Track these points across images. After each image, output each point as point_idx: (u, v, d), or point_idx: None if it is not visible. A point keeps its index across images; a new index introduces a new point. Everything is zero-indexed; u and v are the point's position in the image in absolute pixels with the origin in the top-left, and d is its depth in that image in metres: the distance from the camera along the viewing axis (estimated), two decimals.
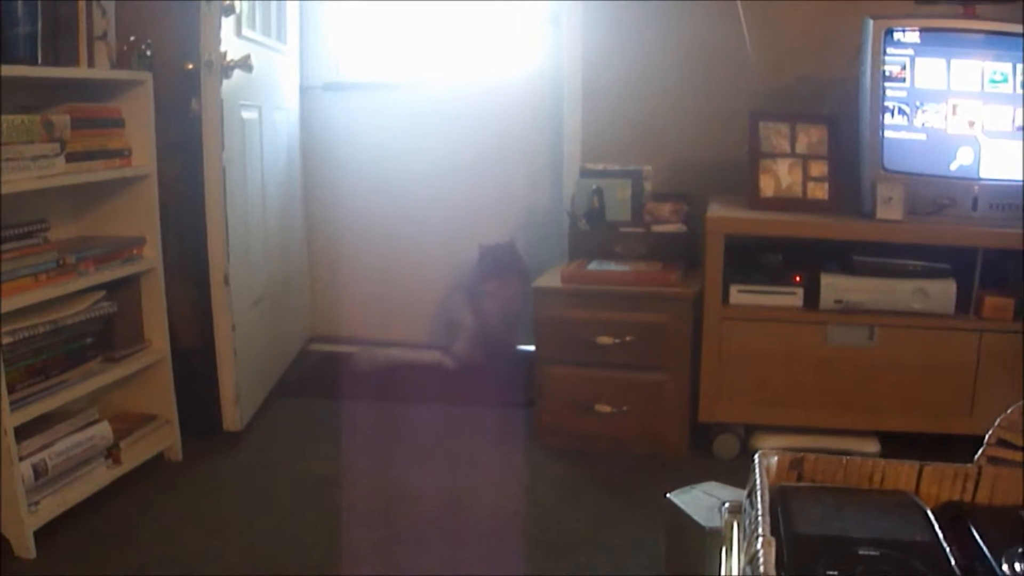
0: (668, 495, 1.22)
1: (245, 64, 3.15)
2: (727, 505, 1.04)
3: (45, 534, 2.51)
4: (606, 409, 3.13)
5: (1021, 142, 2.93)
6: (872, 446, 3.06)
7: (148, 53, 3.00)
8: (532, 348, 3.25)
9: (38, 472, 2.54)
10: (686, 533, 1.17)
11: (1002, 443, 1.05)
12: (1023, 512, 1.00)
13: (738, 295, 3.04)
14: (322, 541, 2.59)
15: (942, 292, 2.93)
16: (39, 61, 2.60)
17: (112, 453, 2.84)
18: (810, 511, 0.93)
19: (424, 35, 4.10)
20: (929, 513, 0.94)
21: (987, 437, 1.06)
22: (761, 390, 3.04)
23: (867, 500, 0.98)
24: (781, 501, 0.95)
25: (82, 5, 2.74)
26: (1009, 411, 1.08)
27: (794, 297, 3.03)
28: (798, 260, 3.08)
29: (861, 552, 0.87)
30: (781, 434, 3.09)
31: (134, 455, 2.91)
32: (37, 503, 2.53)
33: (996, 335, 2.91)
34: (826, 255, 3.06)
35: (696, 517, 1.15)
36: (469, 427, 3.43)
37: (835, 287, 2.97)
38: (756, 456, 1.02)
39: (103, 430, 2.80)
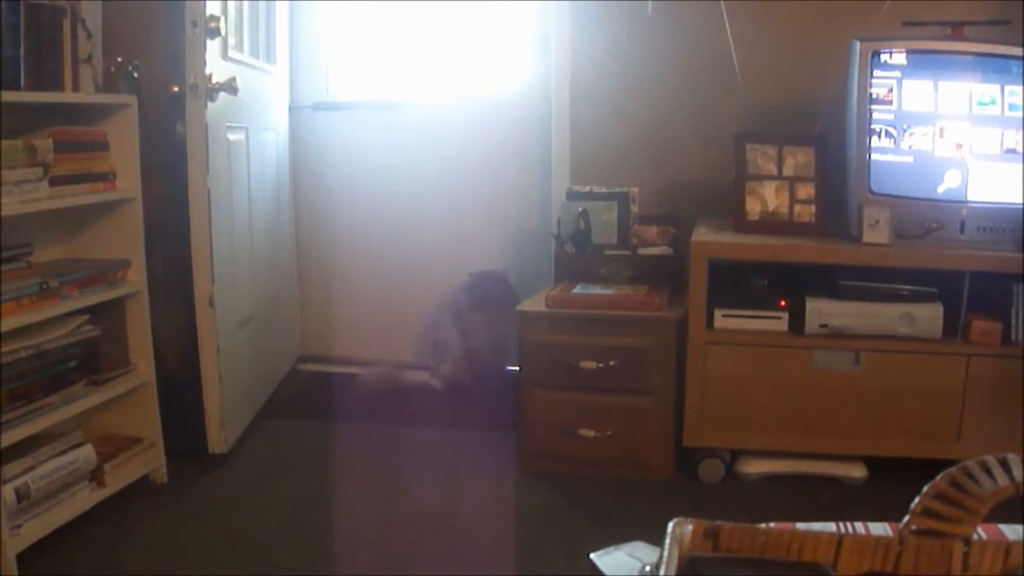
0: (590, 556, 1.21)
1: (231, 86, 3.15)
2: (647, 569, 1.03)
3: (28, 557, 2.51)
4: (590, 433, 3.12)
5: (1009, 165, 2.90)
6: (859, 471, 3.05)
7: (135, 75, 3.02)
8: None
9: (20, 495, 2.54)
10: None
11: (928, 513, 1.03)
12: None
13: (723, 319, 3.03)
14: (306, 565, 2.58)
15: (929, 316, 2.91)
16: (22, 85, 2.61)
17: (96, 476, 2.84)
18: None
19: (414, 56, 4.10)
20: None
21: (913, 506, 1.05)
22: (746, 415, 3.03)
23: (779, 573, 0.96)
24: (690, 572, 0.94)
25: (66, 28, 2.75)
26: (938, 479, 1.06)
27: (779, 321, 3.01)
28: (784, 284, 3.06)
29: None
30: (766, 459, 3.08)
31: (119, 478, 2.91)
32: (19, 526, 2.53)
33: (983, 359, 2.89)
34: (812, 279, 3.04)
35: None
36: (455, 450, 3.42)
37: (820, 311, 2.96)
38: (670, 525, 1.01)
39: (87, 453, 2.80)
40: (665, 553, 0.94)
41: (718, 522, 1.02)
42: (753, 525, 1.01)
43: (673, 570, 0.92)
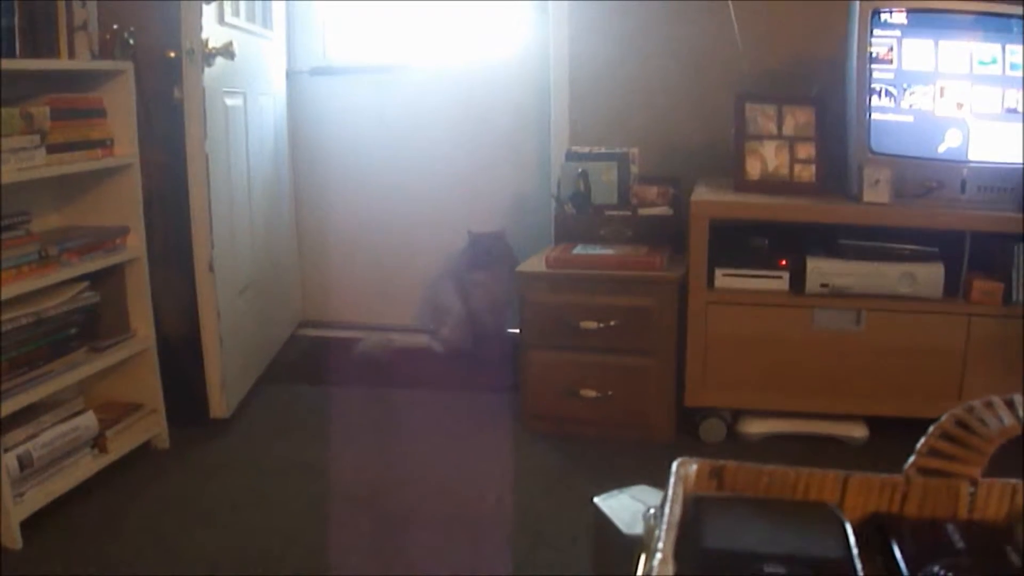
0: (594, 499, 1.21)
1: (227, 51, 3.14)
2: (651, 511, 1.03)
3: (32, 524, 2.53)
4: (591, 394, 3.12)
5: (1010, 124, 2.89)
6: (860, 431, 3.05)
7: (131, 42, 3.00)
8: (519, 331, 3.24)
9: (23, 463, 2.55)
10: (609, 539, 1.16)
11: (934, 453, 1.03)
12: (949, 526, 0.99)
13: (723, 279, 3.03)
14: (309, 529, 2.59)
15: (930, 276, 2.91)
16: (17, 53, 2.60)
17: (98, 443, 2.84)
18: (723, 523, 0.92)
19: (411, 19, 4.08)
20: (848, 527, 0.93)
21: (919, 446, 1.04)
22: (747, 374, 3.03)
23: (785, 512, 0.96)
24: (695, 512, 0.94)
25: None
26: (943, 419, 1.06)
27: (780, 281, 3.01)
28: (784, 243, 3.05)
29: (767, 569, 0.85)
30: (767, 418, 3.09)
31: (120, 444, 2.92)
32: (22, 494, 2.54)
33: (984, 319, 2.88)
34: (813, 238, 3.04)
35: (620, 523, 1.14)
36: (456, 412, 3.43)
37: (821, 271, 2.95)
38: (675, 464, 1.01)
39: (88, 420, 2.81)
40: (669, 492, 0.93)
41: (722, 461, 1.02)
42: (758, 465, 1.01)
43: (678, 509, 0.92)
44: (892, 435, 3.00)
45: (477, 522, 2.64)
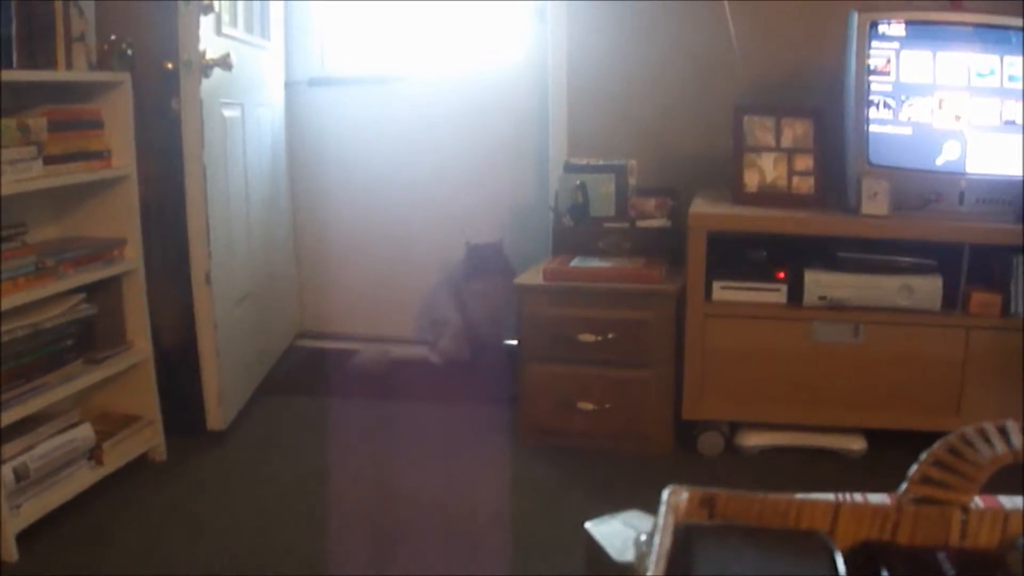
0: (585, 524, 1.21)
1: (224, 63, 3.14)
2: (642, 538, 1.02)
3: (28, 537, 2.52)
4: (589, 406, 3.12)
5: (1008, 136, 2.89)
6: (858, 444, 3.05)
7: (129, 53, 2.99)
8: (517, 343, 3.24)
9: (19, 475, 2.54)
10: (600, 566, 1.15)
11: (926, 480, 1.03)
12: (940, 554, 0.98)
13: (721, 291, 3.02)
14: (305, 541, 2.59)
15: (928, 288, 2.90)
16: (14, 64, 2.59)
17: (95, 454, 2.84)
18: (713, 553, 0.91)
19: (410, 30, 4.09)
20: (838, 556, 0.92)
21: (911, 473, 1.04)
22: (745, 387, 3.03)
23: (775, 541, 0.95)
24: (684, 541, 0.93)
25: (59, 7, 2.72)
26: (935, 446, 1.05)
27: (778, 293, 3.00)
28: (783, 256, 3.05)
29: None
30: (766, 431, 3.08)
31: (117, 456, 2.91)
32: (19, 506, 2.54)
33: (983, 331, 2.88)
34: (811, 251, 3.03)
35: (611, 549, 1.13)
36: (454, 425, 3.43)
37: (819, 283, 2.95)
38: (665, 493, 1.00)
39: (85, 432, 2.80)
40: (660, 521, 0.93)
41: (714, 489, 1.01)
42: (749, 493, 1.01)
43: (668, 538, 0.91)
44: (891, 448, 3.00)
45: (473, 534, 2.64)
